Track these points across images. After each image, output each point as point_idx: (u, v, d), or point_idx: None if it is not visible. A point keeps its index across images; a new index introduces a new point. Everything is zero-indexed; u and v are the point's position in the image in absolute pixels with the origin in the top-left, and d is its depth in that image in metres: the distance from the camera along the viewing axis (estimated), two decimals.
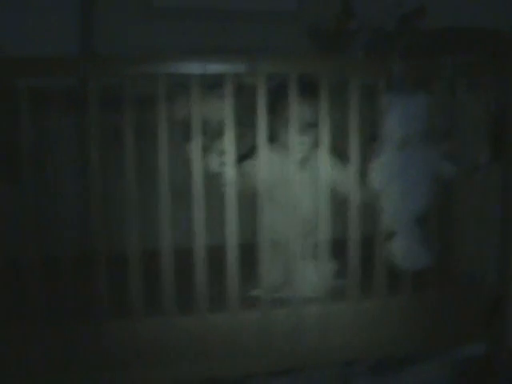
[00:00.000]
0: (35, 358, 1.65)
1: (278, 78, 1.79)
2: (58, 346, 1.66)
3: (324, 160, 1.76)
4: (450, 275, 1.91)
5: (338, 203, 1.93)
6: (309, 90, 1.76)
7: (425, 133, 1.76)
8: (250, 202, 2.29)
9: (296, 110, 1.72)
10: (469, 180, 1.90)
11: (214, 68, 1.64)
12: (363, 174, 1.78)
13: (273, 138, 1.92)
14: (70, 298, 1.64)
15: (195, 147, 1.66)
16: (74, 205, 2.19)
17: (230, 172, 1.68)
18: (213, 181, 1.76)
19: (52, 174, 1.71)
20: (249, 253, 1.86)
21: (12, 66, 1.59)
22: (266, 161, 1.72)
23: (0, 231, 1.67)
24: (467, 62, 1.86)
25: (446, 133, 1.84)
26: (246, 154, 1.93)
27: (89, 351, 1.68)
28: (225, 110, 1.66)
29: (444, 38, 2.03)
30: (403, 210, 1.75)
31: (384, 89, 1.74)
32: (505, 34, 1.91)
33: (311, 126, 1.85)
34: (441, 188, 1.86)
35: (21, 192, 1.64)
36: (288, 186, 1.75)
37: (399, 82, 1.74)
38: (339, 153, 1.93)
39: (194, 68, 1.63)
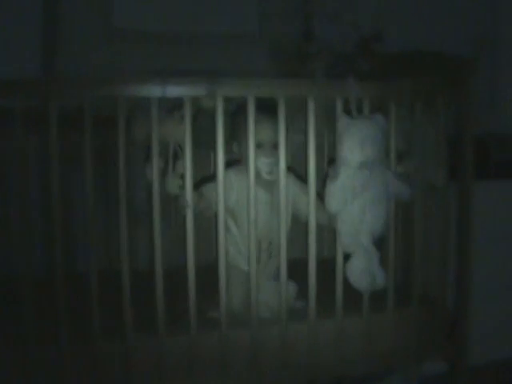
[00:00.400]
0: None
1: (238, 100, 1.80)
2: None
3: (284, 181, 1.77)
4: (409, 295, 1.93)
5: (299, 224, 1.95)
6: (269, 111, 1.78)
7: (382, 155, 1.78)
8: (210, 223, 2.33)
9: (255, 131, 1.73)
10: (426, 201, 1.93)
11: (173, 91, 1.65)
12: (322, 195, 1.80)
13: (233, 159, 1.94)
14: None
15: (154, 169, 1.66)
16: (36, 223, 2.19)
17: (188, 194, 1.69)
18: (172, 203, 1.77)
19: (14, 194, 1.69)
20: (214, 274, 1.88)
21: None
22: (224, 183, 1.73)
23: None
24: (424, 85, 1.89)
25: (403, 154, 1.87)
26: (206, 177, 1.95)
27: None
28: (183, 132, 1.66)
29: (401, 62, 2.07)
30: (360, 232, 1.76)
31: (342, 111, 1.77)
32: (461, 58, 1.95)
33: (272, 147, 1.86)
34: (398, 209, 1.89)
35: None
36: (248, 208, 1.75)
37: (357, 105, 1.76)
38: (299, 174, 1.96)
39: (153, 91, 1.64)
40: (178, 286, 1.74)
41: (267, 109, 1.79)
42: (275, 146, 1.79)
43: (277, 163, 1.77)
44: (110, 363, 1.70)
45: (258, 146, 1.81)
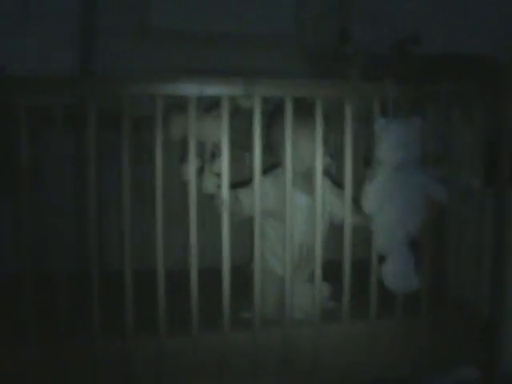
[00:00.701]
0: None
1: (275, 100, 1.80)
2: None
3: (320, 184, 1.77)
4: (442, 299, 1.91)
5: (334, 227, 1.95)
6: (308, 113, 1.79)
7: (418, 157, 1.77)
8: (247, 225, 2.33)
9: (292, 133, 1.73)
10: (462, 205, 1.92)
11: (211, 90, 1.66)
12: (358, 197, 1.80)
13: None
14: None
15: (191, 168, 1.67)
16: (72, 222, 2.22)
17: (225, 194, 1.69)
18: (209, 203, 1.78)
19: (52, 192, 1.70)
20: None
21: (13, 86, 1.61)
22: (260, 186, 1.73)
23: None
24: (462, 87, 1.88)
25: (439, 157, 1.86)
26: (241, 181, 1.96)
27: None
28: (221, 131, 1.67)
29: (439, 64, 2.06)
30: (396, 234, 1.76)
31: (378, 113, 1.76)
32: (499, 61, 1.93)
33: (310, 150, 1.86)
34: (434, 212, 1.88)
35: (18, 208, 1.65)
36: (285, 210, 1.75)
37: (394, 107, 1.76)
38: (335, 180, 1.96)
39: (190, 90, 1.65)
40: (210, 286, 1.75)
41: (305, 110, 1.79)
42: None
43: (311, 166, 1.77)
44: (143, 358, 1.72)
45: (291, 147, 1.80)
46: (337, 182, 1.92)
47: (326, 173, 1.95)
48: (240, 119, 1.82)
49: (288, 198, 1.74)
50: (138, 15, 2.39)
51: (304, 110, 1.78)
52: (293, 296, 1.80)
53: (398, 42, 2.07)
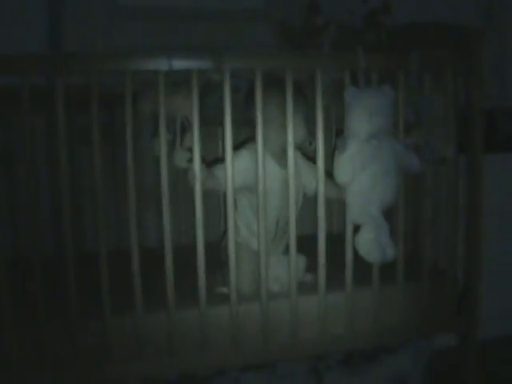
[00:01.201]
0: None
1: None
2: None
3: (293, 156, 1.76)
4: (418, 268, 1.92)
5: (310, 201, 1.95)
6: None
7: (391, 126, 1.77)
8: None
9: (263, 106, 1.72)
10: (435, 173, 1.92)
11: (180, 63, 1.64)
12: (330, 169, 1.80)
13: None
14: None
15: (162, 143, 1.66)
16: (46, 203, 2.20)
17: (196, 167, 1.68)
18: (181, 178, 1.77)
19: (24, 174, 1.68)
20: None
21: None
22: (241, 161, 1.73)
23: None
24: (433, 56, 1.88)
25: (412, 126, 1.86)
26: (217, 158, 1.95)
27: None
28: (191, 105, 1.66)
29: (410, 33, 2.06)
30: (370, 203, 1.76)
31: (349, 83, 1.76)
32: (470, 28, 1.94)
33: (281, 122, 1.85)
34: (408, 181, 1.88)
35: None
36: (259, 184, 1.74)
37: (365, 77, 1.75)
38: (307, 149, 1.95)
39: (160, 64, 1.63)
40: (186, 263, 1.74)
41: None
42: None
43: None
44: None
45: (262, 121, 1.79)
46: (311, 158, 1.92)
47: (302, 149, 1.94)
48: (211, 96, 1.81)
49: (261, 172, 1.74)
50: None
51: (279, 85, 1.77)
52: (268, 268, 1.80)
53: (369, 13, 2.07)
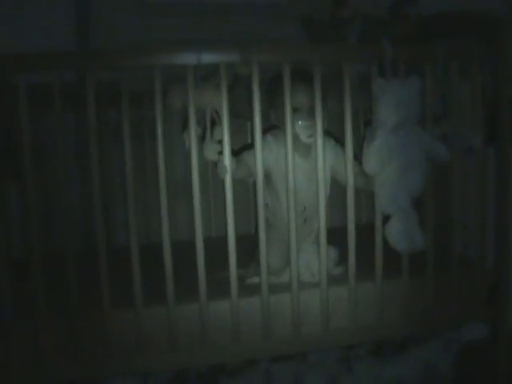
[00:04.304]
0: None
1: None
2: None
3: (322, 146, 1.77)
4: (448, 257, 1.92)
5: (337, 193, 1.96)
6: (305, 77, 1.79)
7: (418, 116, 1.77)
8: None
9: (291, 97, 1.73)
10: (464, 163, 1.92)
11: (208, 58, 1.65)
12: (360, 159, 1.80)
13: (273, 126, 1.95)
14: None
15: (192, 136, 1.68)
16: (76, 199, 2.24)
17: (227, 160, 1.70)
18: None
19: (53, 170, 1.71)
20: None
21: (10, 63, 1.60)
22: (262, 147, 1.74)
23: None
24: (460, 46, 1.87)
25: (439, 116, 1.86)
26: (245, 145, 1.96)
27: None
28: (220, 98, 1.67)
29: (436, 24, 2.05)
30: (398, 193, 1.76)
31: (376, 75, 1.76)
32: (497, 17, 1.92)
33: (309, 111, 1.86)
34: (436, 171, 1.88)
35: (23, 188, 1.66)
36: (288, 173, 1.76)
37: (392, 68, 1.75)
38: (337, 139, 1.96)
39: (188, 58, 1.65)
40: (216, 255, 1.76)
41: (303, 75, 1.79)
42: (312, 111, 1.78)
43: (314, 127, 1.77)
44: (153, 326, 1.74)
45: (295, 110, 1.80)
46: (340, 142, 1.92)
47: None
48: (240, 89, 1.83)
49: (290, 158, 1.75)
50: None
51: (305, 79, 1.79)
52: (299, 259, 1.81)
53: (395, 4, 2.07)
